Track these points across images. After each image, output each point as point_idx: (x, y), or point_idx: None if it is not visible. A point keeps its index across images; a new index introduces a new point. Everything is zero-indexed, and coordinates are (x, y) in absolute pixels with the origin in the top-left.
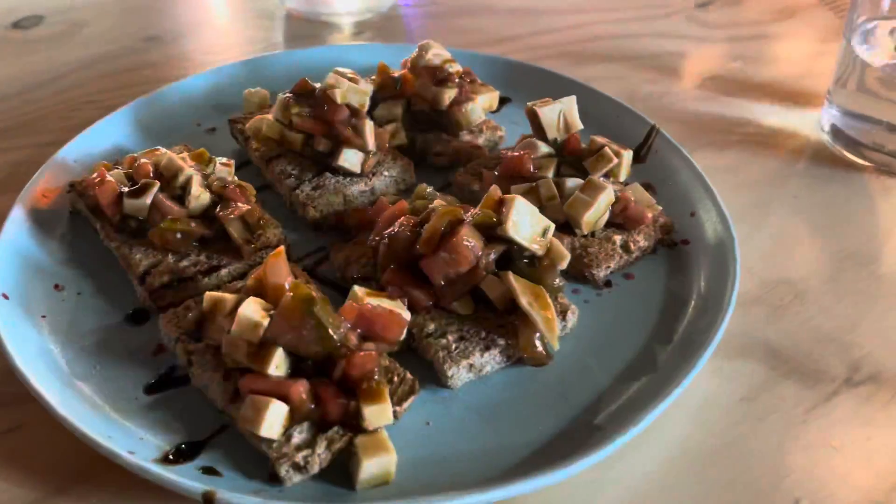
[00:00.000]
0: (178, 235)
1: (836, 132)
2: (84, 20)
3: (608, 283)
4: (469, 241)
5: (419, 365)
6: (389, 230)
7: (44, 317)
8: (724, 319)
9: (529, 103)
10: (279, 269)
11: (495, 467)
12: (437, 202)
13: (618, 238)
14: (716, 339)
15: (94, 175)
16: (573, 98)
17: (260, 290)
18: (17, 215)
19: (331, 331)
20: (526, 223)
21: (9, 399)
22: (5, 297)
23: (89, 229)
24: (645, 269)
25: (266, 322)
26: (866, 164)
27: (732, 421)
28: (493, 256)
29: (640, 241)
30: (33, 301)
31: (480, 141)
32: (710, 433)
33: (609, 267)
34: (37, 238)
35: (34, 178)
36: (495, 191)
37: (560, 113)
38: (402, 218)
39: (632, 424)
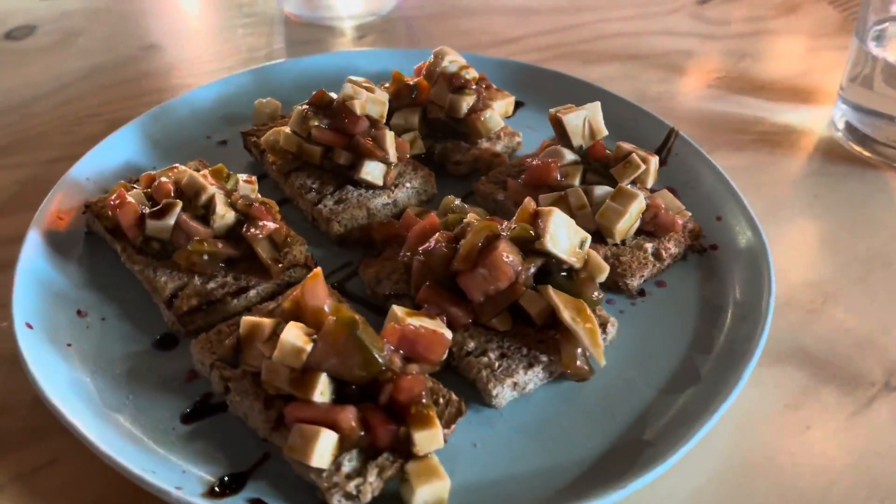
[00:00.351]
0: (205, 257)
1: (850, 129)
2: (78, 29)
3: (641, 292)
4: (508, 256)
5: (458, 383)
6: (424, 246)
7: (69, 345)
8: (766, 328)
9: (552, 110)
10: (317, 292)
11: (548, 488)
12: (471, 216)
13: (649, 246)
14: (759, 349)
15: (114, 196)
16: (597, 104)
17: (298, 314)
18: (34, 239)
19: (376, 354)
20: (563, 236)
21: (41, 432)
22: (29, 326)
23: (106, 250)
24: (676, 277)
25: (309, 347)
26: (881, 160)
27: (777, 429)
28: (532, 271)
29: (671, 247)
30: (57, 329)
31: (498, 148)
32: (757, 443)
33: (642, 276)
34: (55, 262)
35: (47, 198)
36: (529, 203)
37: (585, 119)
38: (438, 234)
39: (684, 440)
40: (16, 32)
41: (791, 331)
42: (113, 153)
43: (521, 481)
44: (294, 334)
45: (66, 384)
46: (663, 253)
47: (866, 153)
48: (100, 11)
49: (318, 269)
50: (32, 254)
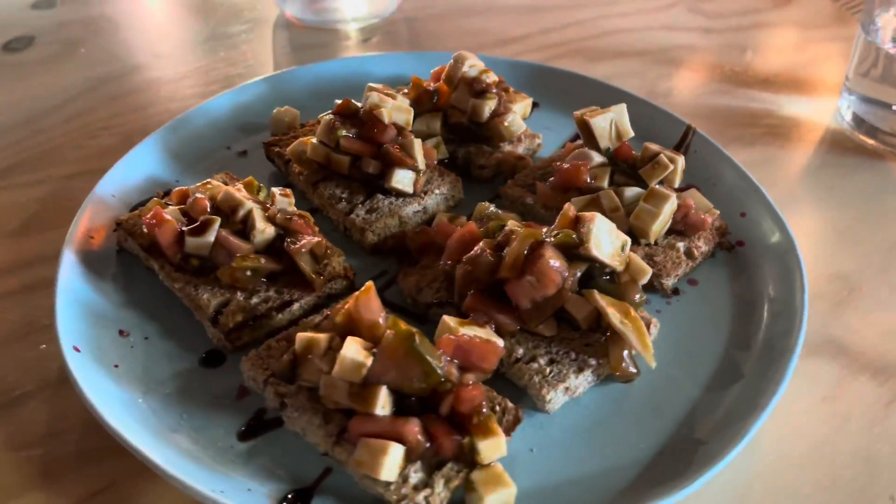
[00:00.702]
0: (249, 273)
1: (857, 120)
2: (78, 39)
3: (676, 291)
4: (554, 262)
5: (507, 389)
6: (469, 255)
7: (116, 366)
8: (803, 324)
9: (577, 112)
10: (371, 306)
11: (609, 490)
12: (511, 223)
13: (680, 245)
14: (799, 344)
15: (150, 214)
16: (623, 106)
17: (352, 328)
18: (69, 259)
19: (435, 365)
20: (606, 240)
21: (94, 456)
22: (77, 349)
23: (138, 267)
24: (707, 274)
25: (369, 362)
26: (889, 150)
27: (818, 422)
28: (577, 276)
29: (702, 246)
30: (103, 351)
31: (520, 150)
32: (801, 436)
33: (676, 275)
34: (92, 282)
35: (77, 217)
36: (569, 208)
37: (612, 122)
38: (482, 242)
39: (738, 437)
40: (14, 44)
41: (821, 323)
42: (135, 168)
43: (581, 484)
44: (354, 349)
45: (120, 406)
46: (695, 251)
47: (874, 144)
48: (98, 21)
49: (371, 283)
50: (70, 275)
